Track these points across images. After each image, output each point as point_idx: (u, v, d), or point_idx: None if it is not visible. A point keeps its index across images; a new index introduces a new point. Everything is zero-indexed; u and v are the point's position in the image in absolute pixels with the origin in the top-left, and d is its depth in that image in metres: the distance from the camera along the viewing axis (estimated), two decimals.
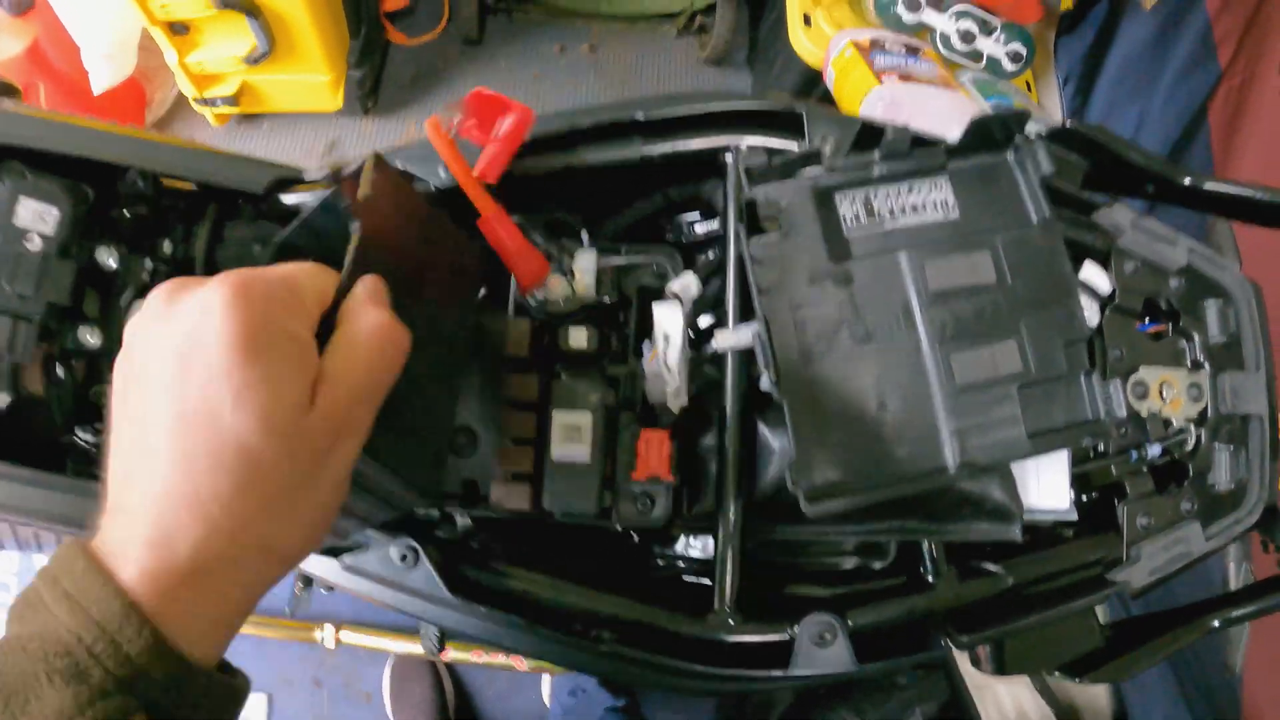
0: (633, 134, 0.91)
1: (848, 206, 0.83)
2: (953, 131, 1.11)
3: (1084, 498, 0.94)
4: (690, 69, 2.31)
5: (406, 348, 0.58)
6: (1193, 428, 0.92)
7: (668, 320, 0.82)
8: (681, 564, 0.97)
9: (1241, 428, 0.92)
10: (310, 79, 2.06)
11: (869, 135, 0.86)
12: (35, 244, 0.86)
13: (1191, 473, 0.92)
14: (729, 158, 0.89)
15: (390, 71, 2.28)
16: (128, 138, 0.93)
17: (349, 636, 1.90)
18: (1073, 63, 2.05)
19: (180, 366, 0.49)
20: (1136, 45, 1.92)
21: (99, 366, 0.91)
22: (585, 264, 0.88)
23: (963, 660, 1.85)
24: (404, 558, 0.85)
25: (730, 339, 0.81)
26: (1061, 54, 2.09)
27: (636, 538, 0.98)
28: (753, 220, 0.81)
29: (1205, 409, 0.92)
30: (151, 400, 0.50)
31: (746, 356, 0.84)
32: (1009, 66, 1.88)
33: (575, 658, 0.85)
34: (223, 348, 0.48)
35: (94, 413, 0.92)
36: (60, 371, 0.88)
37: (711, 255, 0.97)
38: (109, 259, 0.91)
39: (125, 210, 0.94)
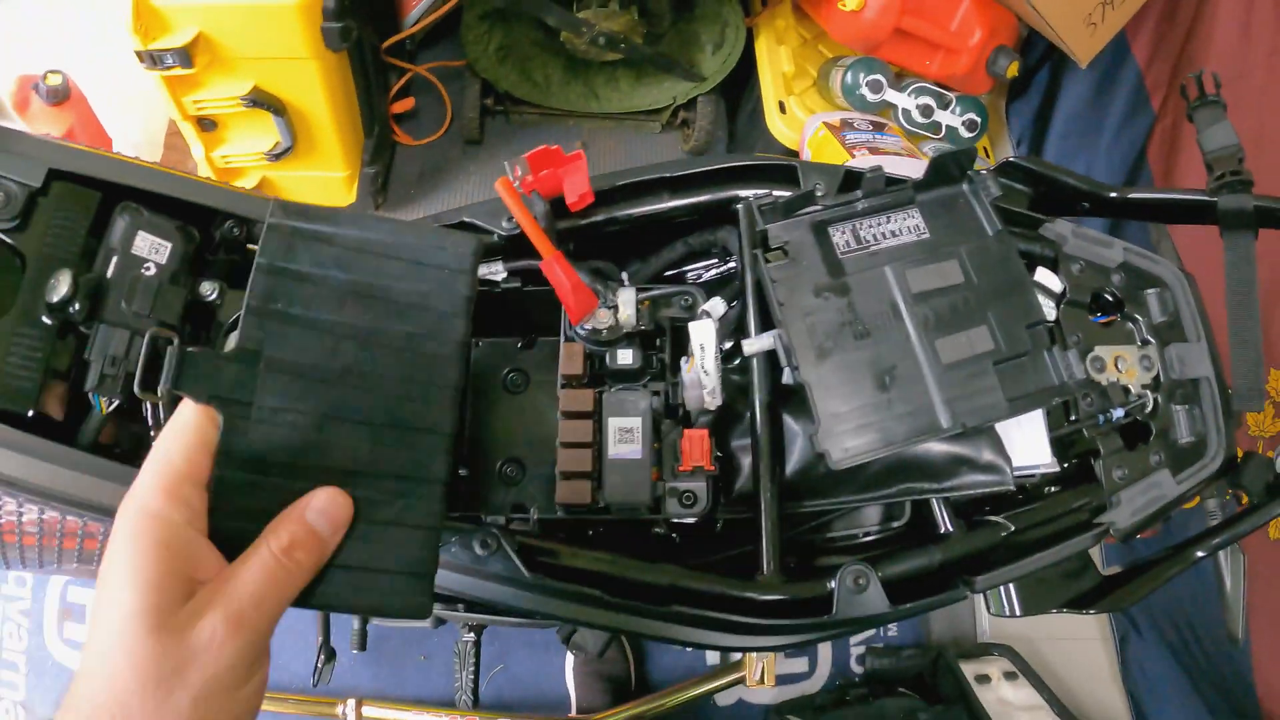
0: (661, 189, 1.11)
1: (839, 236, 1.02)
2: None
3: (1065, 464, 1.09)
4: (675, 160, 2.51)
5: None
6: (1149, 393, 1.08)
7: (703, 332, 1.00)
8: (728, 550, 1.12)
9: (1193, 389, 1.09)
10: (328, 175, 2.23)
11: (851, 180, 1.06)
12: (151, 271, 0.99)
13: (1155, 430, 1.08)
14: (740, 205, 1.07)
15: (397, 169, 2.47)
16: (225, 189, 1.08)
17: (371, 712, 1.89)
18: (1024, 125, 2.27)
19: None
20: (1078, 102, 2.14)
21: None
22: (626, 298, 1.07)
23: (983, 692, 1.96)
24: (485, 545, 0.96)
25: (755, 345, 0.99)
26: (1013, 118, 2.32)
27: (678, 538, 1.13)
28: (766, 249, 1.00)
29: (1158, 376, 1.09)
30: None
31: (770, 359, 1.01)
32: (965, 134, 2.10)
33: (644, 625, 0.98)
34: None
35: None
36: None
37: (725, 291, 1.15)
38: (211, 292, 1.05)
39: (221, 255, 1.08)
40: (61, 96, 2.04)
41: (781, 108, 2.08)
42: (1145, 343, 1.10)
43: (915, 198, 1.05)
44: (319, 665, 1.74)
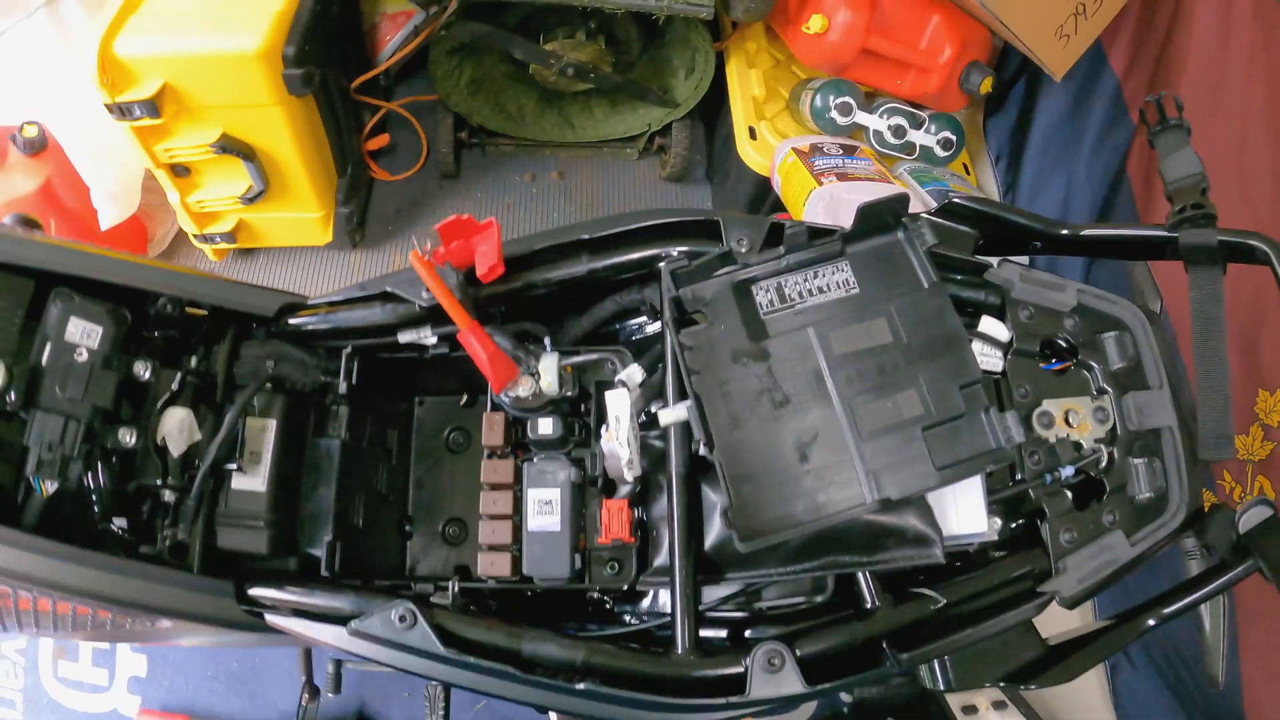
0: (580, 252, 1.09)
1: (763, 295, 0.99)
2: None
3: (1014, 525, 1.05)
4: (653, 187, 2.50)
5: None
6: (1103, 448, 1.03)
7: (617, 403, 0.98)
8: (647, 619, 1.10)
9: (1154, 440, 1.03)
10: (302, 216, 2.23)
11: (778, 232, 1.03)
12: (83, 356, 1.03)
13: (1109, 487, 1.03)
14: (661, 264, 1.05)
15: (375, 206, 2.46)
16: (157, 268, 1.11)
17: None
18: (1001, 141, 2.21)
19: None
20: (1055, 116, 2.09)
21: (133, 463, 1.07)
22: (548, 365, 1.05)
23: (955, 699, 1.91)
24: (403, 619, 0.96)
25: (670, 415, 0.96)
26: (990, 134, 2.26)
27: (610, 603, 1.11)
28: (681, 314, 0.98)
29: (1114, 428, 1.04)
30: None
31: (687, 429, 0.98)
32: (941, 154, 2.06)
33: (557, 700, 0.96)
34: None
35: (128, 506, 1.07)
36: (100, 466, 1.03)
37: (645, 357, 1.13)
38: (144, 371, 1.08)
39: (156, 331, 1.12)
40: (38, 147, 2.07)
41: (752, 133, 2.05)
42: (1101, 392, 1.06)
43: (845, 250, 1.02)
44: (303, 703, 1.76)
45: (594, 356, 1.09)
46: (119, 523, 1.06)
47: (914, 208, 1.81)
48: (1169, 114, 1.14)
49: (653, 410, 1.08)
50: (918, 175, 2.00)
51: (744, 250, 1.01)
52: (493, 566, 1.01)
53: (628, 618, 1.11)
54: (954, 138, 2.06)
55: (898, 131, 2.02)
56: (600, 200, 2.45)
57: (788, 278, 1.00)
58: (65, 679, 2.16)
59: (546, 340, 1.10)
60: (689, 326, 0.97)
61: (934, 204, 1.89)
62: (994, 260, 1.09)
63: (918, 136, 2.04)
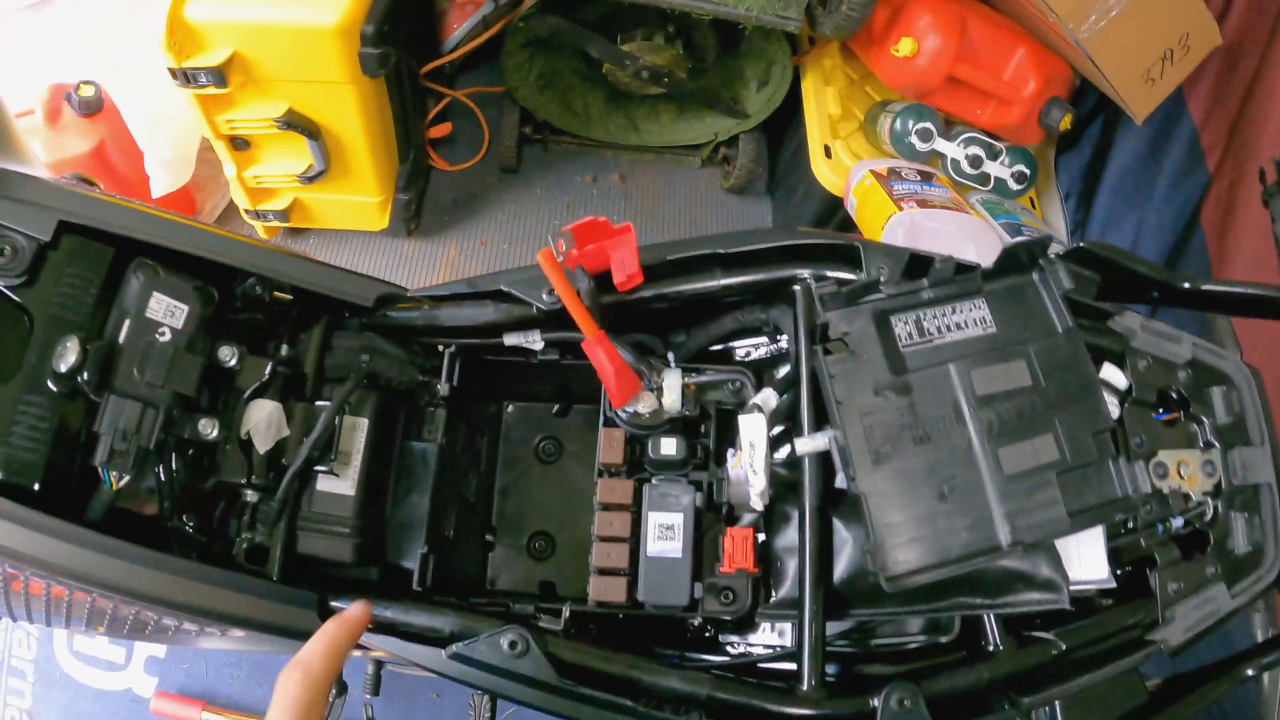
0: (713, 266, 1.06)
1: (902, 327, 0.97)
2: (967, 250, 1.25)
3: (1119, 571, 1.04)
4: (714, 197, 2.47)
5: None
6: (1209, 500, 1.03)
7: (753, 428, 0.95)
8: (757, 650, 1.07)
9: (1254, 496, 1.03)
10: (361, 199, 2.18)
11: (916, 264, 1.01)
12: (166, 336, 0.95)
13: (1213, 540, 1.03)
14: (797, 287, 1.02)
15: (431, 195, 2.42)
16: (250, 245, 1.04)
17: None
18: (1073, 179, 2.20)
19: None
20: (1130, 158, 2.07)
21: (214, 457, 0.99)
22: (672, 382, 1.02)
23: None
24: (514, 645, 0.91)
25: (809, 444, 0.94)
26: (1062, 171, 2.25)
27: (711, 631, 1.08)
28: (825, 340, 0.95)
29: (1219, 482, 1.04)
30: None
31: (823, 459, 0.96)
32: (1014, 186, 2.04)
33: None
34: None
35: (199, 502, 1.00)
36: (175, 460, 0.95)
37: (780, 373, 1.10)
38: (230, 358, 1.00)
39: (242, 314, 1.05)
40: (94, 108, 2.02)
41: (827, 151, 2.03)
42: (1209, 445, 1.05)
43: (983, 288, 1.00)
44: (330, 699, 1.72)
45: (719, 376, 1.05)
46: (190, 522, 0.99)
47: (991, 241, 1.81)
48: None
49: (775, 432, 1.05)
50: (990, 206, 1.98)
51: (884, 280, 0.98)
52: (607, 591, 0.97)
53: (730, 647, 1.08)
54: (1028, 171, 2.04)
55: (974, 161, 2.00)
56: (661, 207, 2.42)
57: (926, 311, 0.98)
58: (80, 653, 2.11)
59: (669, 355, 1.07)
60: (831, 354, 0.94)
61: (1008, 238, 1.90)
62: (1113, 307, 1.08)
63: (993, 168, 2.02)
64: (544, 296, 1.02)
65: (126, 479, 0.91)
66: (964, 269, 1.00)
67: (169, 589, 0.89)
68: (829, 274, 1.03)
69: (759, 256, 1.05)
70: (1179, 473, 1.04)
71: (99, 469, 0.90)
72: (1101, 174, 2.11)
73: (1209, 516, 1.03)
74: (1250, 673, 1.03)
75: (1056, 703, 0.98)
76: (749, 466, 0.94)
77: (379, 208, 2.21)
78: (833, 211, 2.07)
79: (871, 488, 0.88)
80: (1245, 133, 1.93)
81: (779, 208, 2.39)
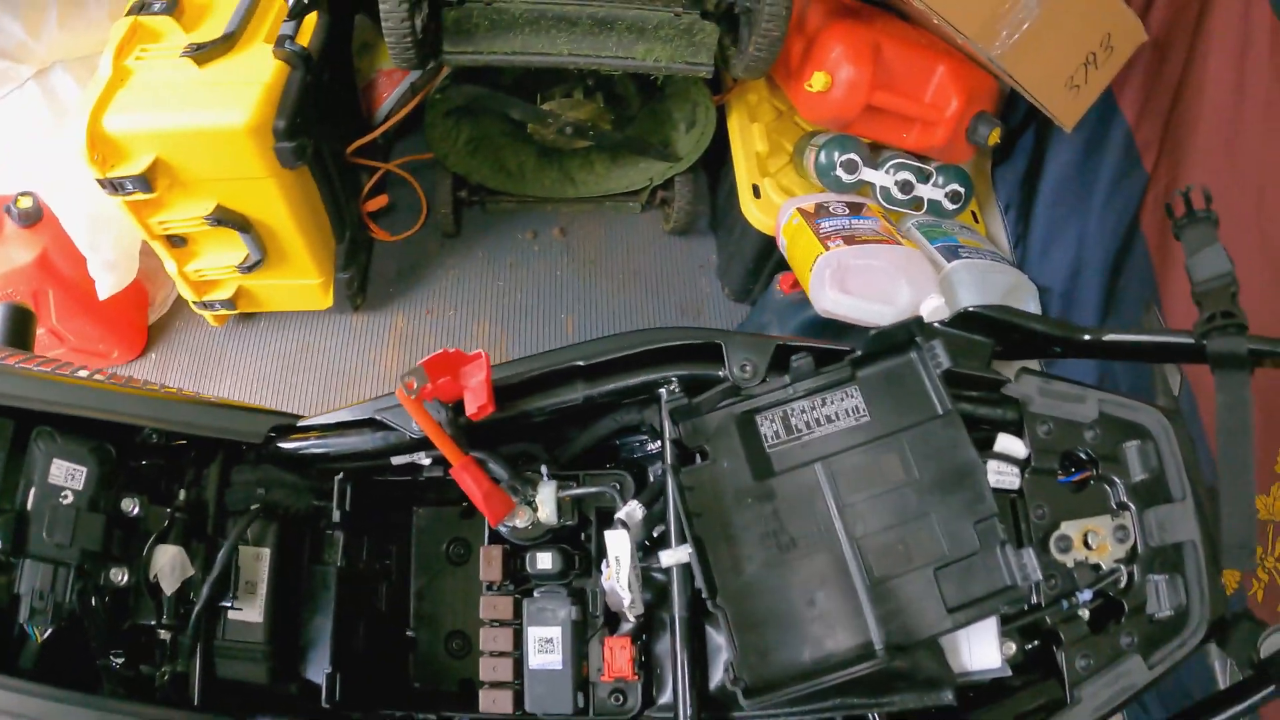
0: (575, 378, 1.05)
1: (768, 426, 0.95)
2: (899, 283, 1.24)
3: (1027, 647, 1.01)
4: (657, 240, 2.46)
5: None
6: (1122, 568, 1.00)
7: (617, 545, 0.94)
8: None
9: (1176, 555, 1.00)
10: (301, 283, 2.21)
11: (785, 355, 0.99)
12: (68, 499, 1.01)
13: (1128, 608, 0.99)
14: (662, 392, 1.01)
15: (376, 266, 2.43)
16: (141, 398, 1.09)
17: None
18: (1011, 191, 2.15)
19: None
20: (1066, 166, 2.02)
21: (127, 601, 1.05)
22: (546, 496, 1.02)
23: None
24: None
25: (671, 557, 0.93)
26: (999, 182, 2.19)
27: None
28: (684, 453, 0.94)
29: (1134, 546, 1.00)
30: None
31: (689, 570, 0.94)
32: (949, 206, 2.01)
33: None
34: None
35: (125, 639, 1.05)
36: (95, 604, 1.01)
37: (643, 494, 1.09)
38: (133, 508, 1.06)
39: (144, 461, 1.10)
40: (34, 218, 2.04)
41: (756, 191, 2.01)
42: (1122, 507, 1.02)
43: (855, 374, 0.98)
44: None
45: (593, 490, 1.05)
46: (116, 660, 1.04)
47: (924, 271, 1.78)
48: (1196, 205, 1.09)
49: (656, 534, 1.04)
50: (926, 230, 1.95)
51: (748, 377, 0.97)
52: (495, 704, 0.99)
53: None
54: (962, 190, 2.01)
55: (905, 187, 1.98)
56: (603, 256, 2.42)
57: (794, 405, 0.97)
58: None
59: (543, 468, 1.06)
60: (690, 464, 0.93)
61: (945, 262, 1.87)
62: (1011, 372, 1.05)
63: (925, 190, 1.99)
64: (414, 426, 1.02)
65: (50, 631, 0.97)
66: (834, 356, 0.98)
67: None
68: (695, 373, 1.01)
69: (620, 365, 1.04)
70: (1086, 543, 1.01)
71: (24, 625, 0.97)
72: (1038, 183, 2.07)
73: (1123, 584, 1.00)
74: None
75: None
76: (616, 581, 0.93)
77: (320, 288, 2.22)
78: (770, 249, 2.06)
79: (732, 601, 0.87)
80: (1180, 129, 1.89)
81: (722, 244, 2.38)
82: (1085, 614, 1.01)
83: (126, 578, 1.04)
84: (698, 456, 0.96)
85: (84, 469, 1.03)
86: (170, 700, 1.05)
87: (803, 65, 1.91)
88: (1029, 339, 1.07)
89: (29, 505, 0.99)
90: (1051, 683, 0.98)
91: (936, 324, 1.01)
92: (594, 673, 1.00)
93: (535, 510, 1.01)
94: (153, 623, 1.06)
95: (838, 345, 1.00)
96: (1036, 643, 1.02)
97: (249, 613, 1.12)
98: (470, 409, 0.96)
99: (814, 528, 0.90)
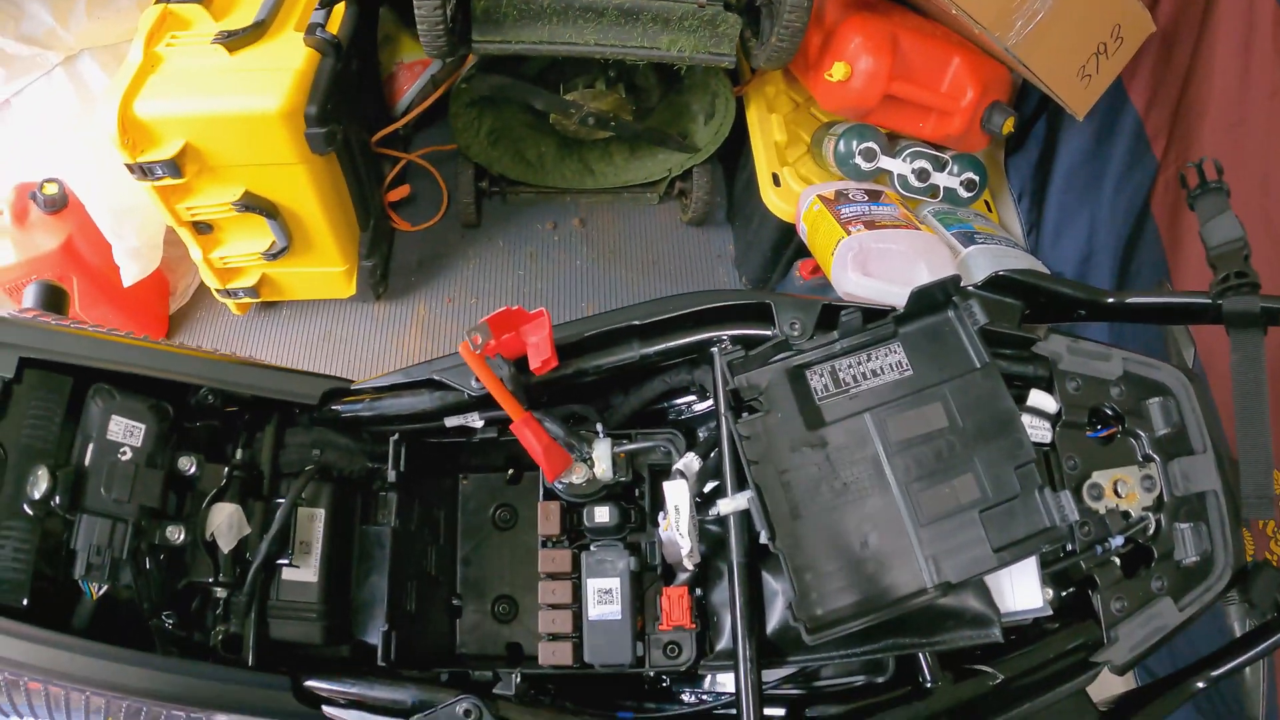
0: (631, 337, 1.09)
1: (818, 380, 0.99)
2: (918, 266, 1.28)
3: (1063, 594, 1.05)
4: (674, 231, 2.50)
5: None
6: (1151, 515, 1.04)
7: (676, 494, 0.97)
8: (709, 699, 1.10)
9: (1199, 505, 1.05)
10: (326, 270, 2.23)
11: (830, 314, 1.03)
12: (127, 455, 1.03)
13: (1157, 554, 1.04)
14: (715, 350, 1.05)
15: (397, 257, 2.46)
16: (198, 359, 1.11)
17: None
18: (1023, 179, 2.21)
19: None
20: (1078, 154, 2.08)
21: (183, 559, 1.07)
22: (602, 452, 1.05)
23: None
24: (468, 714, 0.95)
25: (730, 505, 0.96)
26: (1012, 172, 2.25)
27: (667, 681, 1.11)
28: (739, 404, 0.97)
29: (1161, 496, 1.05)
30: None
31: (746, 517, 0.98)
32: (965, 194, 2.05)
33: None
34: None
35: (178, 599, 1.07)
36: (149, 564, 1.03)
37: (699, 444, 1.12)
38: (190, 467, 1.08)
39: (198, 422, 1.12)
40: (59, 205, 2.05)
41: (775, 180, 2.05)
42: (1147, 459, 1.06)
43: (898, 331, 1.02)
44: None
45: (647, 444, 1.08)
46: (169, 620, 1.06)
47: (942, 255, 1.83)
48: (1208, 177, 1.14)
49: (706, 491, 1.07)
50: (942, 217, 2.00)
51: (797, 334, 1.01)
52: (554, 655, 1.01)
53: (685, 696, 1.10)
54: (977, 178, 2.05)
55: (921, 175, 2.02)
56: (622, 246, 2.45)
57: (841, 361, 1.00)
58: None
59: (599, 426, 1.10)
60: (745, 415, 0.97)
61: (961, 248, 1.91)
62: (1040, 331, 1.09)
63: (941, 179, 2.04)
64: (473, 384, 1.05)
65: (105, 588, 0.99)
66: (877, 315, 1.02)
67: (151, 683, 0.95)
68: (744, 332, 1.05)
69: (674, 324, 1.07)
70: (1116, 491, 1.05)
71: (79, 581, 0.98)
72: (1051, 171, 2.12)
73: (1151, 531, 1.04)
74: (1201, 685, 1.04)
75: None
76: (675, 530, 0.96)
77: (344, 276, 2.24)
78: (788, 237, 2.10)
79: (790, 543, 0.90)
80: (1188, 117, 1.94)
81: (739, 235, 2.42)
82: (1117, 561, 1.05)
83: (183, 536, 1.05)
84: (749, 411, 0.99)
85: (142, 426, 1.05)
86: (224, 660, 1.07)
87: (822, 56, 1.95)
88: (1055, 302, 1.12)
89: (87, 461, 1.01)
90: (1088, 624, 1.02)
91: (970, 286, 1.05)
92: (650, 625, 1.03)
93: (591, 466, 1.04)
94: (209, 580, 1.07)
95: (880, 305, 1.04)
96: (1072, 590, 1.05)
97: (304, 573, 1.14)
98: (534, 363, 0.99)
99: (865, 473, 0.94)
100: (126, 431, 1.04)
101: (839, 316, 1.00)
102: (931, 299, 1.02)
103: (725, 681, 1.10)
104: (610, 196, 2.50)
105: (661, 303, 1.07)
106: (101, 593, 0.99)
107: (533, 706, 1.01)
